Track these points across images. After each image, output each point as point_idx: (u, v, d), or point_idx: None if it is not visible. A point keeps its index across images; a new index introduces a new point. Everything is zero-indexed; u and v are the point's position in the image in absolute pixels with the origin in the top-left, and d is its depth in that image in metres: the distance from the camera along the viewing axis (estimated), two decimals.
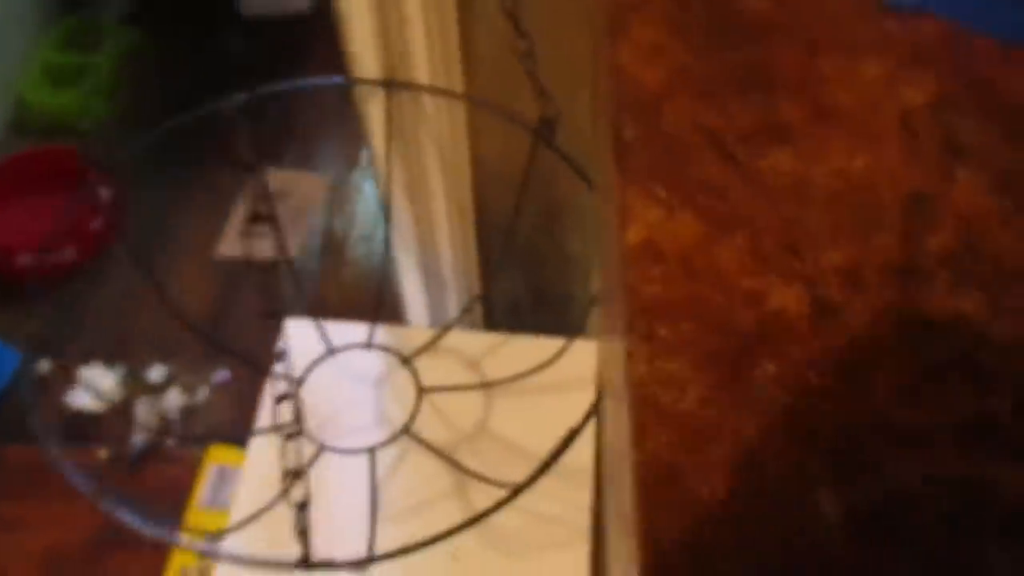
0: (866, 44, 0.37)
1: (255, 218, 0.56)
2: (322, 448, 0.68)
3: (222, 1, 2.00)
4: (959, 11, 0.38)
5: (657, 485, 0.25)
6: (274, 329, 0.81)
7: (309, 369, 0.75)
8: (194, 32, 2.00)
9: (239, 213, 1.52)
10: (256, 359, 0.85)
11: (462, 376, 0.78)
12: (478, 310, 0.97)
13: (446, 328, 0.80)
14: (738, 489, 0.25)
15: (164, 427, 1.54)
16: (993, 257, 0.31)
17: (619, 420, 0.30)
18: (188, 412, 1.55)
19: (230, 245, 1.57)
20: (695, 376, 0.27)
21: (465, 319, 0.94)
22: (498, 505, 0.54)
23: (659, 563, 0.24)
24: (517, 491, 0.54)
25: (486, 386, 0.75)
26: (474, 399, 0.77)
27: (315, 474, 0.69)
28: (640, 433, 0.26)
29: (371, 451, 0.68)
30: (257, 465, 0.73)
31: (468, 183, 0.81)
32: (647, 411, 0.27)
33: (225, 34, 1.99)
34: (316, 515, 0.72)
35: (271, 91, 0.69)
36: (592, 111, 0.50)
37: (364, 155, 1.71)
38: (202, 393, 1.56)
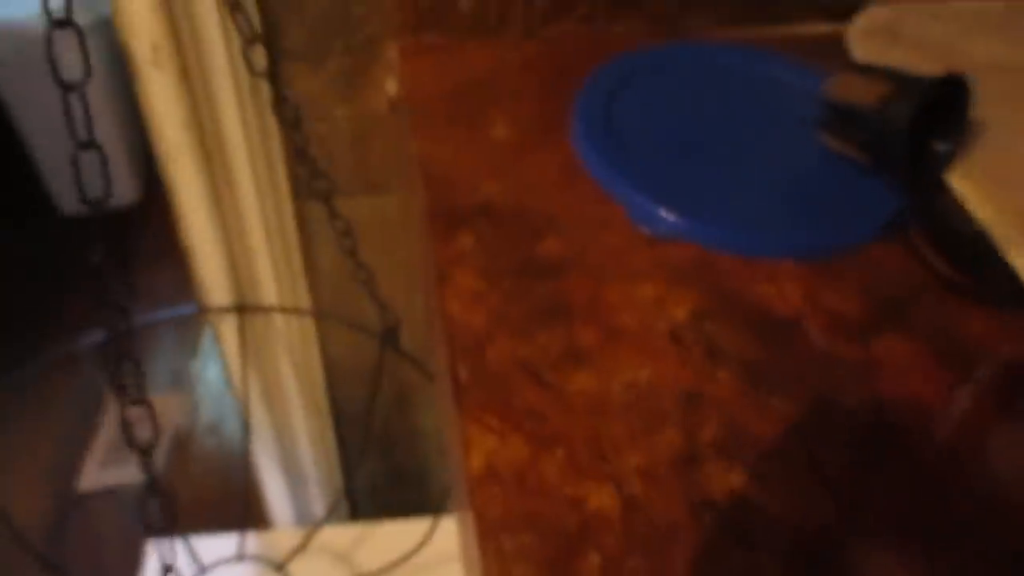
0: (641, 271, 0.47)
1: (136, 447, 0.59)
2: None
3: (37, 199, 1.95)
4: (707, 237, 0.49)
5: None
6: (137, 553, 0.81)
7: None
8: (5, 233, 1.94)
9: (99, 445, 1.49)
10: None
11: (336, 572, 0.81)
12: (343, 502, 1.00)
13: (315, 528, 0.83)
14: None
15: None
16: (753, 438, 0.40)
17: None
18: None
19: (92, 478, 1.51)
20: None
21: (332, 514, 0.97)
22: None
23: None
24: None
25: None
26: None
27: None
28: None
29: None
30: None
31: (322, 386, 0.86)
32: None
33: (42, 234, 1.95)
34: None
35: (128, 329, 0.72)
36: (426, 320, 0.58)
37: (199, 361, 1.71)
38: None
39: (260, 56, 0.59)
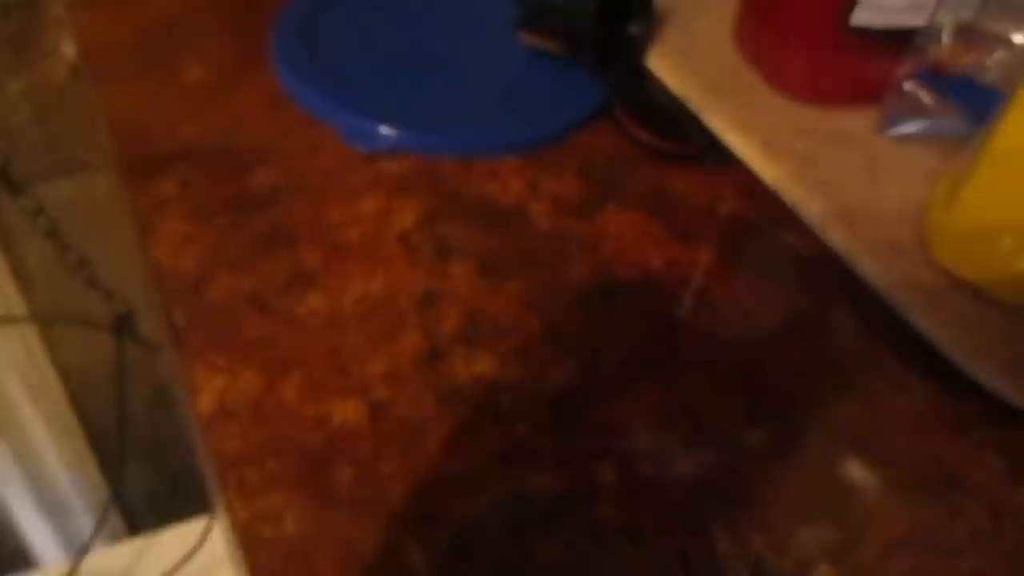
0: (361, 187, 0.46)
1: None
2: None
3: None
4: (424, 144, 0.48)
5: None
6: None
7: None
8: None
9: None
10: None
11: None
12: (117, 519, 0.91)
13: (81, 553, 0.75)
14: None
15: None
16: (492, 323, 0.39)
17: (238, 563, 0.34)
18: None
19: None
20: (288, 502, 0.32)
21: (106, 532, 0.88)
22: None
23: None
24: None
25: None
26: None
27: None
28: (254, 567, 0.30)
29: None
30: None
31: (62, 398, 0.78)
32: (256, 549, 0.30)
33: None
34: None
35: None
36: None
37: None
38: None
39: None
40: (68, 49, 0.59)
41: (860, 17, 0.48)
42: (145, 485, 0.91)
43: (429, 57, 0.54)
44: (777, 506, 0.35)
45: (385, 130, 0.48)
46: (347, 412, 0.35)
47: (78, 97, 0.62)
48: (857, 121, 0.50)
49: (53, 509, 0.86)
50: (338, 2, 0.57)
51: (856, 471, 0.37)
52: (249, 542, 0.31)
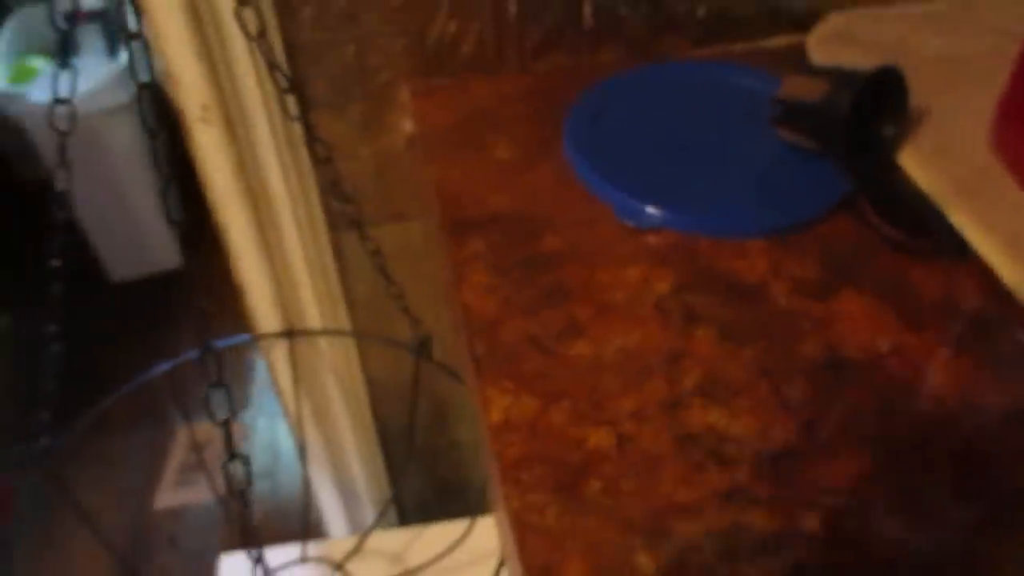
0: (627, 256, 0.55)
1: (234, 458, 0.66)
2: None
3: (88, 270, 2.05)
4: (683, 224, 0.57)
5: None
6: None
7: None
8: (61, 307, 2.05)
9: (172, 467, 1.61)
10: None
11: (389, 570, 0.88)
12: (392, 513, 1.07)
13: (368, 531, 0.90)
14: (588, 568, 0.39)
15: None
16: (727, 383, 0.47)
17: (506, 544, 0.44)
18: None
19: (167, 497, 1.63)
20: (550, 501, 0.41)
21: (382, 522, 1.04)
22: None
23: None
24: None
25: (410, 573, 0.86)
26: None
27: None
28: (521, 546, 0.40)
29: None
30: None
31: (366, 404, 0.94)
32: (523, 530, 0.40)
33: (92, 304, 2.04)
34: None
35: (186, 359, 0.81)
36: (452, 326, 0.66)
37: (255, 394, 1.81)
38: None
39: (293, 105, 0.68)
40: (407, 125, 0.75)
41: None
42: (418, 487, 1.07)
43: (693, 147, 0.63)
44: None
45: (651, 210, 0.57)
46: (600, 438, 0.44)
47: (410, 162, 0.77)
48: None
49: (345, 493, 1.04)
50: (621, 99, 0.67)
51: None
52: (519, 525, 0.41)
